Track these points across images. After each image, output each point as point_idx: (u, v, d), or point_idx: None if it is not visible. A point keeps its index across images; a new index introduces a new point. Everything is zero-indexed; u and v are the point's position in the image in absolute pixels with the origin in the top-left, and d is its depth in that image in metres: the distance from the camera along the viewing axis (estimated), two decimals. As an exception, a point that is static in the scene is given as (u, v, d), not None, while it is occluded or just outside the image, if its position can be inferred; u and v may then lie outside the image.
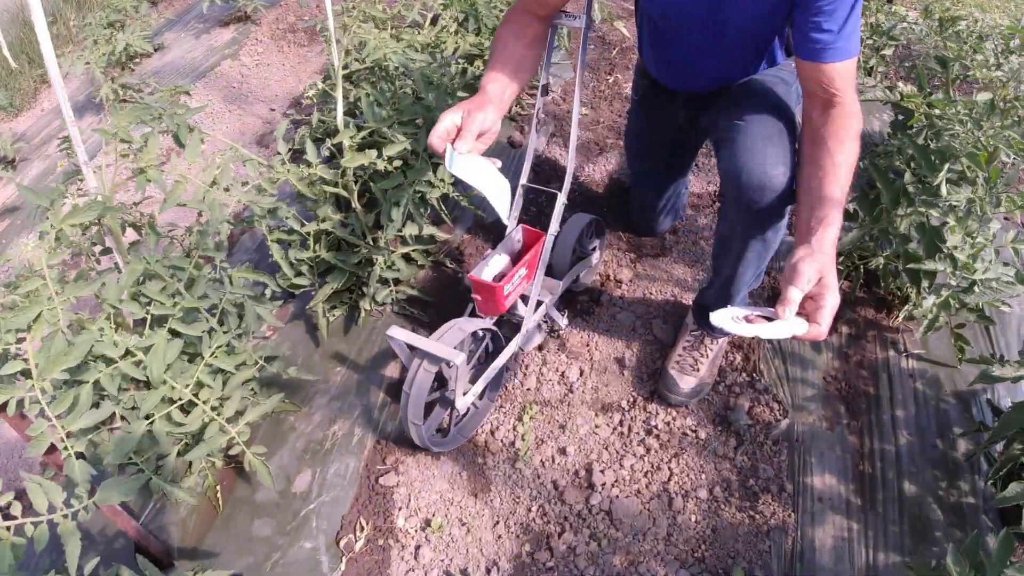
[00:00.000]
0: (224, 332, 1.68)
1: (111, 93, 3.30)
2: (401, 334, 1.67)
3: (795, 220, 1.48)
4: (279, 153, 1.93)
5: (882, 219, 1.97)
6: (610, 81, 3.19)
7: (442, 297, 2.23)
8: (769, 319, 1.29)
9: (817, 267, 1.25)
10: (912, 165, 1.96)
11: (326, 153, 1.98)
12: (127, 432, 1.52)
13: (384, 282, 2.12)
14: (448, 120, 1.50)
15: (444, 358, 1.60)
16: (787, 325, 1.26)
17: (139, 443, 1.52)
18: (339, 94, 1.96)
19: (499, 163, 1.57)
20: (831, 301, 1.25)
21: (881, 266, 2.12)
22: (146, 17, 3.98)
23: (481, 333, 1.81)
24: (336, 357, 2.11)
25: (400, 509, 1.82)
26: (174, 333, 1.53)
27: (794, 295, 1.24)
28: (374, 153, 1.82)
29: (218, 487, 1.83)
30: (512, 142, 2.85)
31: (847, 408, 1.99)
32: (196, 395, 1.60)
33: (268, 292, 2.22)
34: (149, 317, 1.53)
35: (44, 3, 4.57)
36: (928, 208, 1.84)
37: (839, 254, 2.18)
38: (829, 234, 1.33)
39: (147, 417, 1.54)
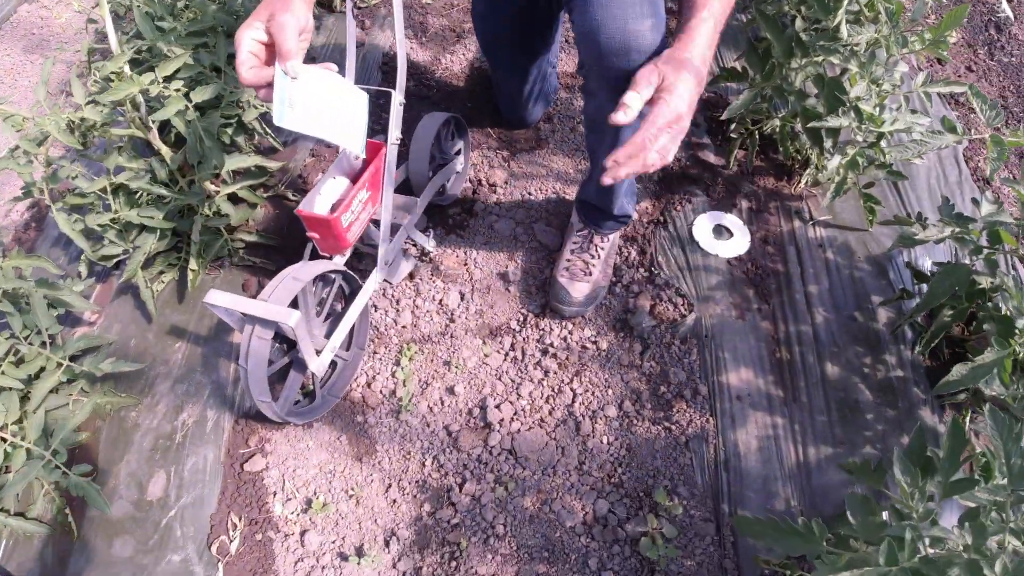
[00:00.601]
0: (5, 339, 1.34)
1: None
2: (222, 299, 1.36)
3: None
4: (39, 101, 1.54)
5: (775, 75, 1.72)
6: (460, -41, 2.79)
7: (289, 238, 1.90)
8: None
9: (658, 71, 1.11)
10: (803, 9, 1.70)
11: (96, 89, 1.59)
12: None
13: (213, 232, 1.78)
14: (247, 41, 1.14)
15: (275, 320, 1.31)
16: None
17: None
18: (104, 10, 1.56)
19: (334, 67, 1.25)
20: (665, 110, 1.10)
21: (778, 129, 1.89)
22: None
23: (327, 277, 1.52)
24: (173, 332, 1.78)
25: (275, 495, 1.56)
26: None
27: (630, 99, 1.11)
28: (148, 78, 1.45)
29: (67, 509, 1.53)
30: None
31: (756, 291, 1.79)
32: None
33: (83, 270, 1.87)
34: None
35: None
36: (826, 56, 1.60)
37: (729, 121, 1.93)
38: (696, 33, 1.15)
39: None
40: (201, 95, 1.49)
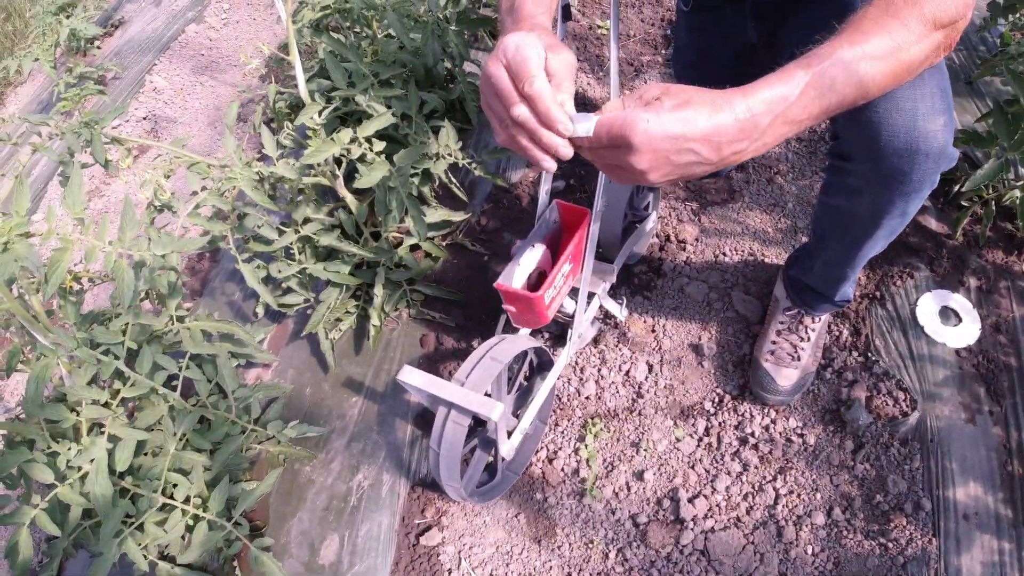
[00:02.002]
0: (193, 405, 1.31)
1: (64, 87, 2.88)
2: (416, 378, 1.28)
3: None
4: (230, 153, 1.52)
5: (1025, 141, 1.49)
6: (636, -17, 2.65)
7: (468, 291, 1.82)
8: None
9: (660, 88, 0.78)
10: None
11: (289, 142, 1.55)
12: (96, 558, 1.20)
13: (393, 284, 1.72)
14: (535, 57, 0.81)
15: (477, 413, 1.21)
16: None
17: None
18: (294, 55, 1.51)
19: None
20: (627, 119, 0.76)
21: (1019, 199, 1.65)
22: (100, -7, 3.52)
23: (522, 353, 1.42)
24: (349, 384, 1.73)
25: (450, 572, 1.48)
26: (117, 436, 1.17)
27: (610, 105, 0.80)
28: (347, 135, 1.38)
29: (235, 563, 1.51)
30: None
31: (987, 390, 1.56)
32: (172, 495, 1.26)
33: (260, 311, 1.86)
34: (83, 423, 1.17)
35: (-7, -7, 4.13)
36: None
37: (969, 194, 1.70)
38: (771, 83, 0.79)
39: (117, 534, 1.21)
40: (404, 160, 1.41)
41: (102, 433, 1.22)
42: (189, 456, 1.29)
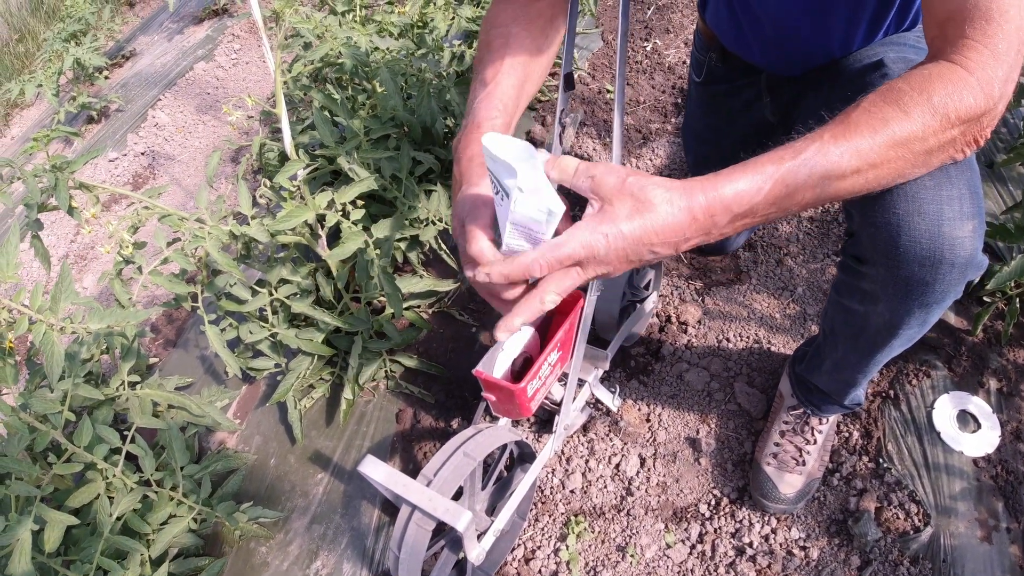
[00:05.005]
0: (137, 483, 1.19)
1: (63, 116, 2.83)
2: (379, 472, 1.15)
3: None
4: (201, 209, 1.42)
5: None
6: (648, 48, 2.58)
7: (452, 367, 1.70)
8: None
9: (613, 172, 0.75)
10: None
11: (270, 198, 1.46)
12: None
13: (373, 354, 1.60)
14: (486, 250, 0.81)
15: (443, 521, 1.09)
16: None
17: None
18: (281, 107, 1.43)
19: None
20: (575, 234, 0.74)
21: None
22: (110, 24, 3.50)
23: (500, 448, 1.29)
24: (316, 459, 1.61)
25: None
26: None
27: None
28: (325, 198, 1.28)
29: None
30: (531, 138, 2.29)
31: (1006, 504, 1.42)
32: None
33: (230, 371, 1.75)
34: (12, 500, 1.05)
35: (10, 19, 4.14)
36: None
37: (993, 291, 1.59)
38: (735, 176, 0.75)
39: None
40: (382, 231, 1.31)
41: (29, 512, 1.10)
42: (123, 541, 1.16)
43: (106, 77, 3.35)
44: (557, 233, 0.76)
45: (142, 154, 2.87)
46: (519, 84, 1.01)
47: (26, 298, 0.93)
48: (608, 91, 2.39)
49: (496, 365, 1.24)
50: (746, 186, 0.75)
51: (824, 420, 1.43)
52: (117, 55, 3.51)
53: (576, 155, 2.18)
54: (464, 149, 0.94)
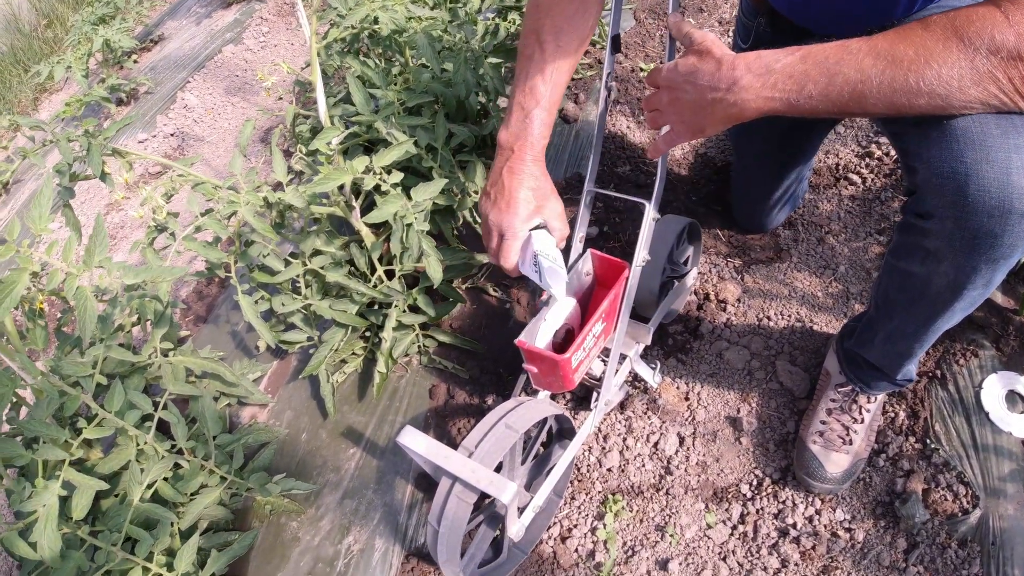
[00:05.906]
0: (168, 451, 1.17)
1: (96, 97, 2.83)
2: (418, 442, 1.13)
3: None
4: (235, 174, 1.40)
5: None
6: (683, 27, 2.53)
7: (487, 341, 1.67)
8: None
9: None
10: None
11: (305, 168, 1.44)
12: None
13: (406, 328, 1.58)
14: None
15: (487, 492, 1.06)
16: None
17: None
18: (316, 74, 1.40)
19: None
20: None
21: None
22: (139, 8, 3.50)
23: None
24: (349, 434, 1.59)
25: (441, 659, 1.31)
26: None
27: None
28: (363, 163, 1.26)
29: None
30: (564, 115, 2.25)
31: (1060, 485, 1.37)
32: (133, 551, 1.11)
33: (262, 345, 1.73)
34: (40, 464, 1.03)
35: (38, 4, 4.16)
36: None
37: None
38: (780, 53, 0.91)
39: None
40: (423, 193, 1.28)
41: (57, 476, 1.08)
42: (154, 509, 1.14)
43: (135, 61, 3.35)
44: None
45: (171, 135, 2.86)
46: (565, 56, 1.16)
47: (57, 254, 0.91)
48: (642, 69, 2.34)
49: (538, 336, 1.21)
50: (772, 56, 0.91)
51: (872, 398, 1.38)
52: (146, 39, 3.51)
53: (609, 132, 2.15)
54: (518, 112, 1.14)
